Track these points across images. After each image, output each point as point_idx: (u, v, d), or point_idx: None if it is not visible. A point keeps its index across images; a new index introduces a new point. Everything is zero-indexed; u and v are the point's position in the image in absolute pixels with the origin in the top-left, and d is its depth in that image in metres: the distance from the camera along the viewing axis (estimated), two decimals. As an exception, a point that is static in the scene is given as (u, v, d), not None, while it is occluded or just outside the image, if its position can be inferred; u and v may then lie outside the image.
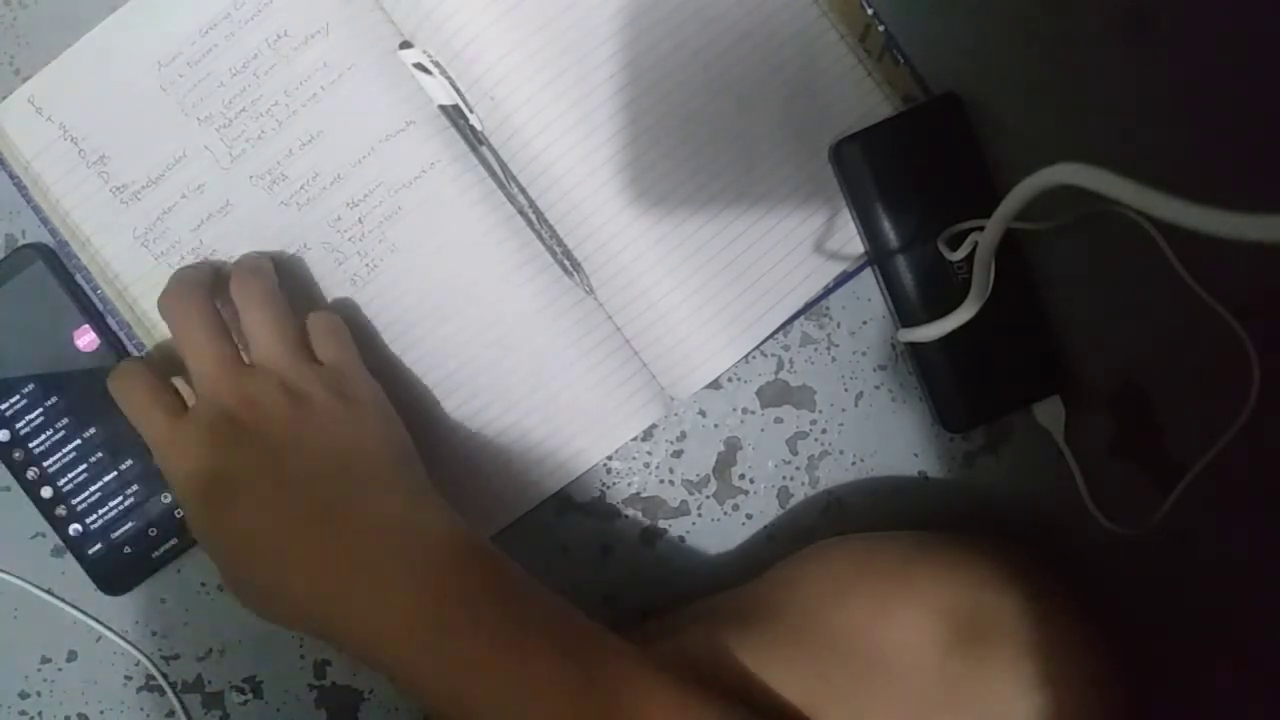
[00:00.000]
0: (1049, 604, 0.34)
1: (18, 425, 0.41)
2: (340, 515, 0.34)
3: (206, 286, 0.38)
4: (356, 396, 0.37)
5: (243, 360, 0.37)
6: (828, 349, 0.42)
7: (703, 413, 0.43)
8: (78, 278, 0.42)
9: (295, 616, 0.35)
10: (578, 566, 0.43)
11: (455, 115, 0.40)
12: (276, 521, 0.34)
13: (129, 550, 0.42)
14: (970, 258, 0.38)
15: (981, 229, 0.33)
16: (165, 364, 0.40)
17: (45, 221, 0.41)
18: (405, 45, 0.40)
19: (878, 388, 0.43)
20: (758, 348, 0.42)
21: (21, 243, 0.42)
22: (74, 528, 0.42)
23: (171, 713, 0.44)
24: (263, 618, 0.35)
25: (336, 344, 0.38)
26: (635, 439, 0.42)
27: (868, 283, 0.42)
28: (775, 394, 0.43)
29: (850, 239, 0.41)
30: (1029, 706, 0.32)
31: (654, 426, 0.43)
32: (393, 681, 0.34)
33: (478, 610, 0.33)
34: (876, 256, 0.40)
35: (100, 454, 0.41)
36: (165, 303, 0.38)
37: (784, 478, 0.43)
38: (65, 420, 0.41)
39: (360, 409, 0.36)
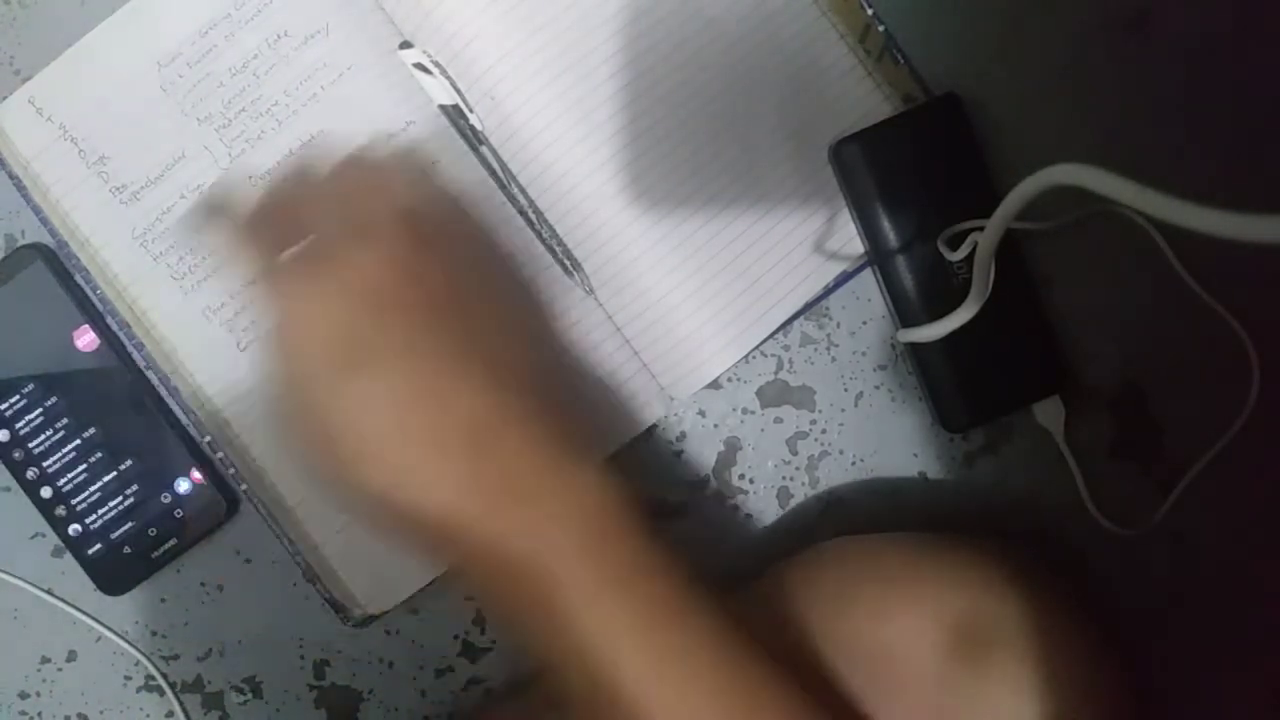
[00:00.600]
0: (1050, 609, 0.34)
1: (17, 425, 0.41)
2: (494, 445, 0.30)
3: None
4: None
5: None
6: (827, 349, 0.42)
7: (702, 413, 0.43)
8: (77, 278, 0.42)
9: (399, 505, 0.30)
10: (577, 567, 0.43)
11: (455, 115, 0.40)
12: (416, 404, 0.29)
13: (129, 550, 0.42)
14: (970, 258, 0.38)
15: (981, 229, 0.33)
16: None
17: (45, 222, 0.41)
18: (405, 45, 0.40)
19: (877, 388, 0.43)
20: (757, 348, 0.42)
21: (21, 243, 0.42)
22: (73, 528, 0.42)
23: (171, 713, 0.44)
24: (351, 503, 0.31)
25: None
26: (635, 439, 0.42)
27: (867, 283, 0.42)
28: (775, 394, 0.43)
29: (850, 239, 0.41)
30: (1029, 713, 0.32)
31: (654, 426, 0.43)
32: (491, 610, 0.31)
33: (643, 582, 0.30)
34: (876, 257, 0.40)
35: (100, 454, 0.41)
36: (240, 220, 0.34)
37: (784, 478, 0.43)
38: (65, 420, 0.41)
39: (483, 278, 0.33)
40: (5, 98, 0.41)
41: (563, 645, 0.29)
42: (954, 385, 0.40)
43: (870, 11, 0.40)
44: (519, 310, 0.34)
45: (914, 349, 0.41)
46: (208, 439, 0.42)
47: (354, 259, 0.31)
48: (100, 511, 0.42)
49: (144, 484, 0.42)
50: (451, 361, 0.30)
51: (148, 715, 0.45)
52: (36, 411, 0.41)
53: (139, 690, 0.44)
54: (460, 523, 0.29)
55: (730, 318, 0.41)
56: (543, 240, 0.41)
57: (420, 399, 0.30)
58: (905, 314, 0.40)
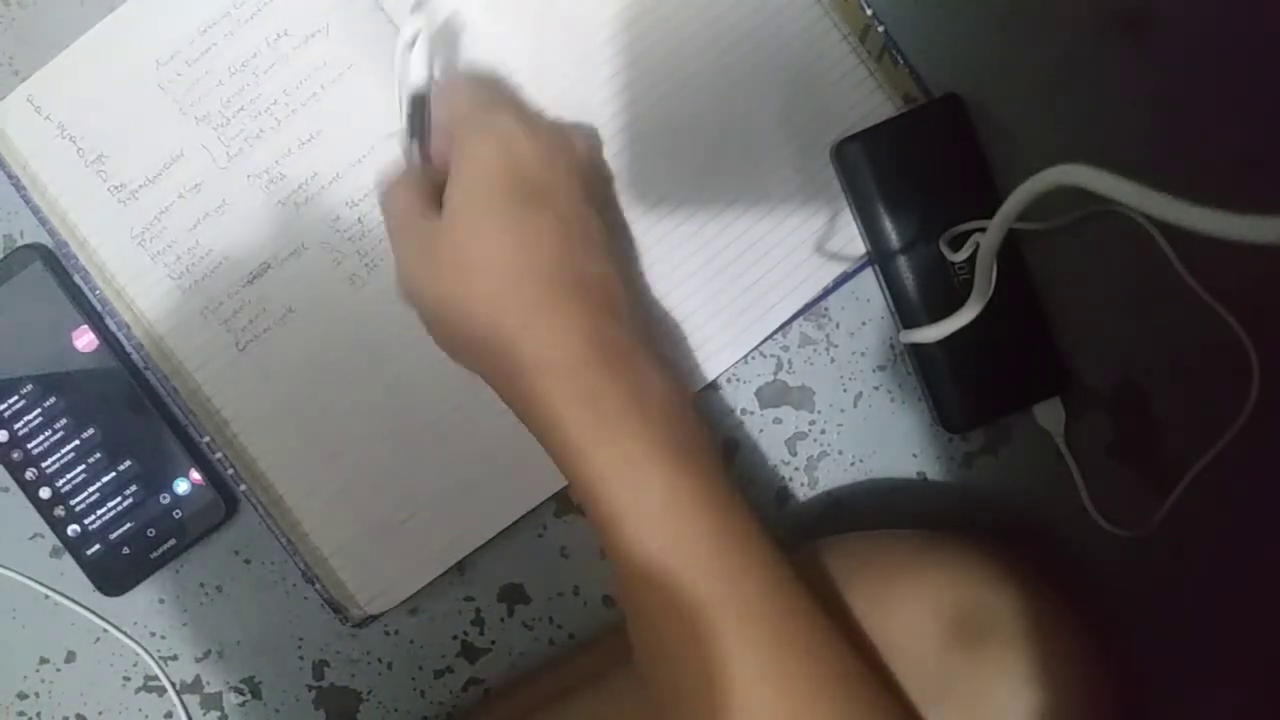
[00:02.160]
0: (1046, 604, 0.34)
1: (16, 426, 0.41)
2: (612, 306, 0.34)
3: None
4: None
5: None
6: (827, 349, 0.42)
7: (703, 413, 0.43)
8: (76, 278, 0.42)
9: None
10: (576, 567, 0.43)
11: (417, 105, 0.35)
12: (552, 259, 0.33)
13: (127, 551, 0.42)
14: (972, 258, 0.38)
15: (983, 230, 0.33)
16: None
17: (44, 222, 0.41)
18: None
19: (877, 388, 0.43)
20: (757, 348, 0.42)
21: (20, 243, 0.42)
22: (72, 528, 0.42)
23: (170, 713, 0.44)
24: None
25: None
26: (635, 439, 0.42)
27: (867, 283, 0.42)
28: (774, 394, 0.43)
29: (849, 240, 0.41)
30: (1025, 704, 0.32)
31: (653, 427, 0.43)
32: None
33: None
34: (877, 257, 0.40)
35: (99, 454, 0.41)
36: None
37: (783, 478, 0.43)
38: (64, 421, 0.41)
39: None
40: (3, 97, 0.40)
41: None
42: (954, 386, 0.40)
43: (869, 12, 0.40)
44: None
45: (914, 349, 0.41)
46: (206, 439, 0.42)
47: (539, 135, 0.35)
48: (99, 512, 0.42)
49: (143, 484, 0.42)
50: (600, 239, 0.35)
51: (146, 716, 0.44)
52: (35, 412, 0.41)
53: (138, 691, 0.44)
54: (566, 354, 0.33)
55: (729, 318, 0.41)
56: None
57: (573, 243, 0.34)
58: (906, 314, 0.40)
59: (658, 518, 0.31)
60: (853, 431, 0.43)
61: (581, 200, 0.35)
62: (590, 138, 0.39)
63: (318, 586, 0.41)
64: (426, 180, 0.35)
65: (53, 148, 0.41)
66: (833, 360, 0.42)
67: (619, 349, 0.33)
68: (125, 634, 0.44)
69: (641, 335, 0.34)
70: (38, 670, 0.44)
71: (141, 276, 0.41)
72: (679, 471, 0.32)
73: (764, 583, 0.32)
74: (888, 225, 0.40)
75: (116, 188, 0.41)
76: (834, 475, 0.43)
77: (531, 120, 0.36)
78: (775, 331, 0.41)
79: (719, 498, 0.32)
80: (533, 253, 0.33)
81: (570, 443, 0.32)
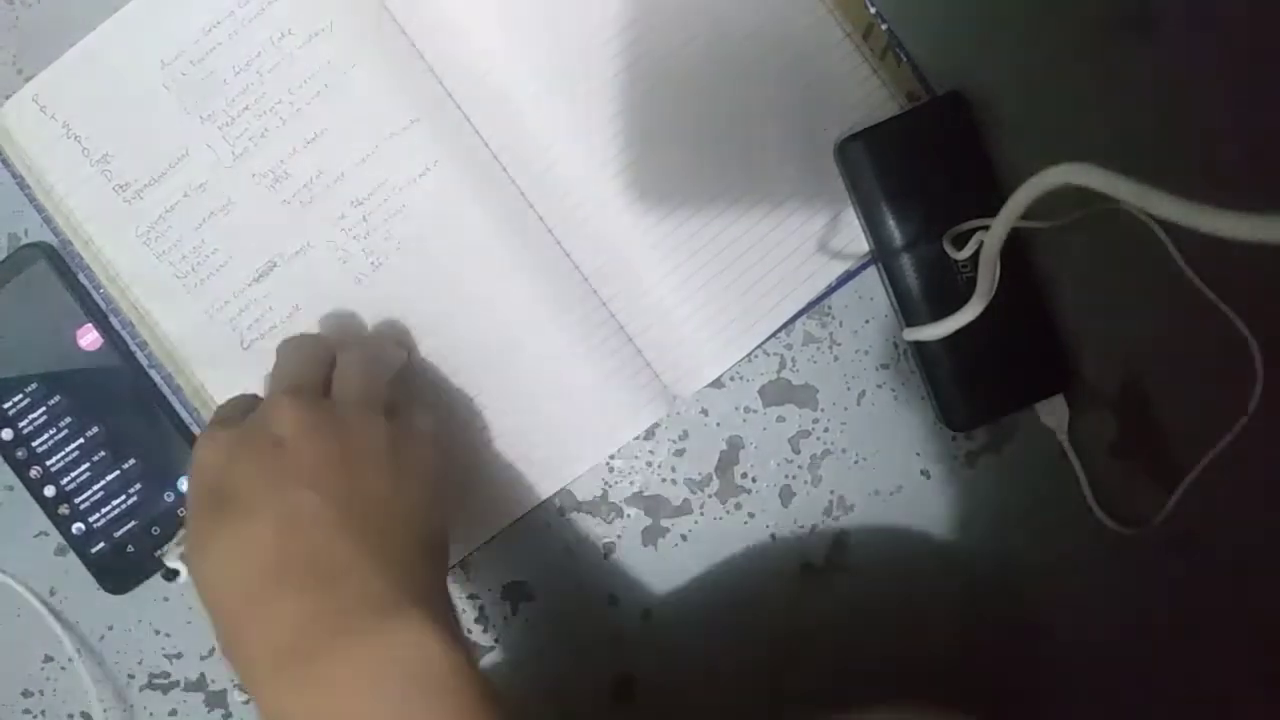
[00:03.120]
0: None
1: (21, 424, 0.41)
2: (340, 582, 0.31)
3: (329, 343, 0.39)
4: (409, 465, 0.34)
5: (319, 393, 0.35)
6: (830, 348, 0.42)
7: (705, 411, 0.43)
8: (80, 277, 0.42)
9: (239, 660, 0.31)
10: (580, 566, 0.44)
11: None
12: (264, 557, 0.31)
13: (132, 549, 0.42)
14: (975, 257, 0.38)
15: (986, 228, 0.33)
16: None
17: (48, 221, 0.41)
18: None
19: (880, 386, 0.43)
20: (760, 346, 0.42)
21: (24, 242, 0.42)
22: (77, 526, 0.42)
23: (174, 711, 0.44)
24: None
25: (418, 411, 0.37)
26: (637, 438, 0.42)
27: (870, 281, 0.42)
28: (777, 393, 0.43)
29: (852, 238, 0.41)
30: None
31: (656, 425, 0.43)
32: None
33: None
34: (881, 255, 0.40)
35: (103, 453, 0.41)
36: (284, 341, 0.38)
37: (786, 477, 0.43)
38: (68, 419, 0.41)
39: (410, 479, 0.34)
40: (9, 97, 0.41)
41: None
42: (958, 384, 0.40)
43: (873, 10, 0.40)
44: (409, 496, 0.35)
45: (918, 348, 0.41)
46: (211, 438, 0.42)
47: (269, 424, 0.33)
48: (103, 510, 0.42)
49: (147, 483, 0.42)
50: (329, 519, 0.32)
51: (151, 714, 0.45)
52: (40, 410, 0.41)
53: (142, 689, 0.44)
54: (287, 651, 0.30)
55: (733, 316, 0.41)
56: (552, 234, 0.41)
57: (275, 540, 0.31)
58: (909, 312, 0.40)
59: None
60: (856, 430, 0.43)
61: (294, 486, 0.32)
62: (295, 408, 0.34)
63: (322, 584, 0.41)
64: None
65: (58, 147, 0.41)
66: (836, 358, 0.42)
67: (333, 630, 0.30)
68: (129, 632, 0.44)
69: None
70: (42, 668, 0.44)
71: (146, 275, 0.41)
72: None
73: None
74: (891, 223, 0.40)
75: (121, 187, 0.41)
76: (837, 473, 0.43)
77: (237, 420, 0.34)
78: (778, 330, 0.41)
79: None
80: (235, 563, 0.31)
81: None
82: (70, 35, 0.40)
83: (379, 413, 0.35)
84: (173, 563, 0.33)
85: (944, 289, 0.40)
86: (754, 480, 0.43)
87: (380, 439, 0.34)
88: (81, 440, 0.41)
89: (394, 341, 0.41)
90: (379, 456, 0.34)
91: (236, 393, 0.41)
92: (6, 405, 0.41)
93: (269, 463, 0.32)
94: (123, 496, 0.42)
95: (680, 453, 0.43)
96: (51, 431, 0.41)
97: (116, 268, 0.41)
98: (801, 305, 0.41)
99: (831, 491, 0.43)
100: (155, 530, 0.42)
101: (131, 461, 0.42)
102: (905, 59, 0.41)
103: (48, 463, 0.41)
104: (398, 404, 0.37)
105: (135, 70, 0.40)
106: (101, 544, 0.42)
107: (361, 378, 0.36)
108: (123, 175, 0.41)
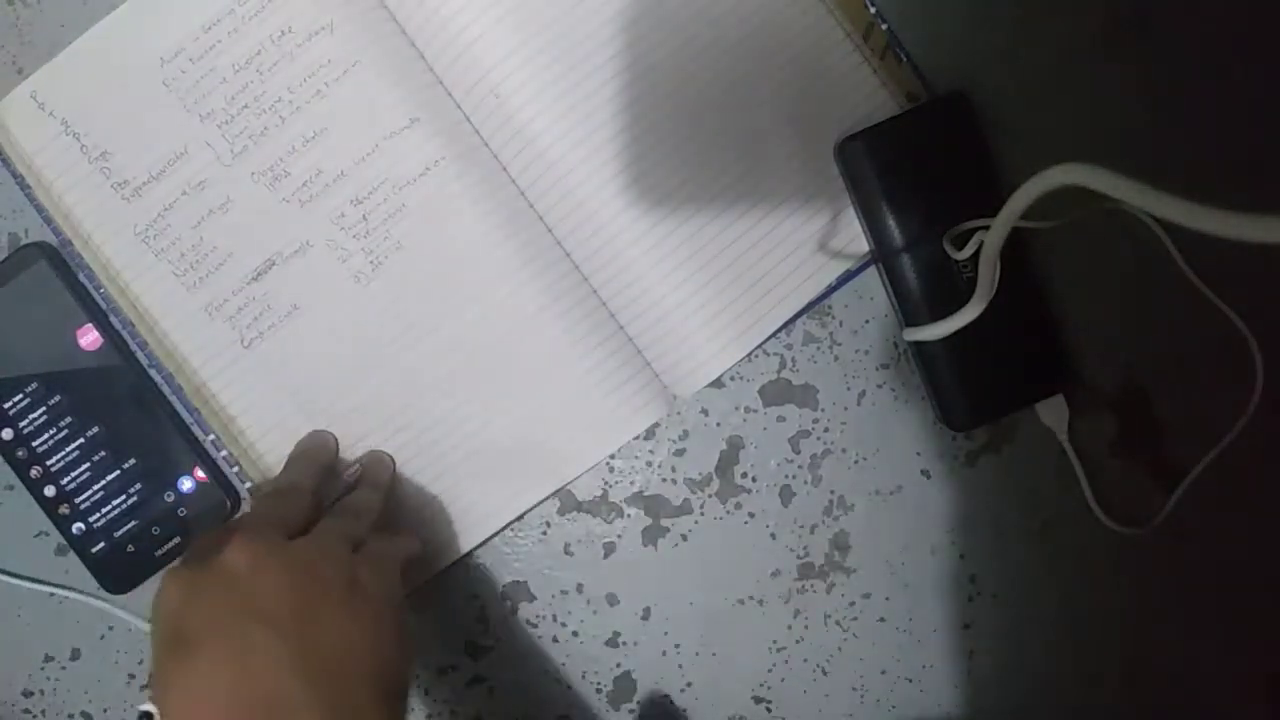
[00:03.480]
0: None
1: (21, 424, 0.41)
2: None
3: (332, 455, 0.40)
4: (369, 605, 0.34)
5: (292, 531, 0.35)
6: (830, 348, 0.42)
7: (705, 411, 0.43)
8: (80, 277, 0.42)
9: None
10: (580, 565, 0.44)
11: None
12: (220, 699, 0.30)
13: (132, 549, 0.42)
14: (975, 257, 0.38)
15: (987, 228, 0.33)
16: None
17: (48, 220, 0.41)
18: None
19: (880, 386, 0.43)
20: (760, 346, 0.42)
21: (24, 242, 0.42)
22: (77, 526, 0.42)
23: (174, 710, 0.44)
24: None
25: (391, 538, 0.38)
26: (638, 437, 0.42)
27: (870, 281, 0.42)
28: (778, 393, 0.43)
29: (853, 238, 0.41)
30: None
31: (656, 425, 0.43)
32: None
33: None
34: (881, 255, 0.40)
35: (103, 452, 0.41)
36: (297, 451, 0.40)
37: (786, 476, 0.43)
38: (68, 419, 0.41)
39: (367, 619, 0.34)
40: (7, 94, 0.40)
41: None
42: (958, 384, 0.40)
43: (873, 10, 0.40)
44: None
45: (918, 347, 0.41)
46: (211, 437, 0.42)
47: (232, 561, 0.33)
48: (103, 510, 0.42)
49: (147, 482, 0.42)
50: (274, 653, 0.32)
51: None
52: (40, 410, 0.41)
53: (142, 689, 0.44)
54: None
55: (733, 316, 0.41)
56: (552, 234, 0.41)
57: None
58: (910, 312, 0.40)
59: None
60: (856, 429, 0.43)
61: (248, 622, 0.32)
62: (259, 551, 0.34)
63: (322, 584, 0.41)
64: None
65: (57, 144, 0.41)
66: (836, 358, 0.42)
67: None
68: (130, 632, 0.44)
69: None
70: (43, 668, 0.44)
71: (145, 273, 0.41)
72: None
73: None
74: (891, 223, 0.40)
75: (120, 184, 0.41)
76: (837, 473, 0.43)
77: (201, 558, 0.33)
78: (779, 330, 0.41)
79: None
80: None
81: None
82: (69, 32, 0.40)
83: (345, 547, 0.35)
84: (144, 706, 0.32)
85: (944, 289, 0.40)
86: (754, 480, 0.43)
87: (341, 573, 0.34)
88: (81, 440, 0.41)
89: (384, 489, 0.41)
90: (337, 592, 0.33)
91: (236, 392, 0.42)
92: (6, 405, 0.41)
93: (223, 599, 0.32)
94: (123, 496, 0.42)
95: (680, 453, 0.43)
96: (51, 431, 0.41)
97: (116, 266, 0.41)
98: (801, 305, 0.41)
99: (831, 491, 0.43)
100: (155, 530, 0.42)
101: (131, 461, 0.42)
102: (905, 59, 0.41)
103: (48, 463, 0.41)
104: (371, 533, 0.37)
105: (134, 67, 0.40)
106: (102, 543, 0.42)
107: (340, 528, 0.36)
108: (121, 173, 0.41)
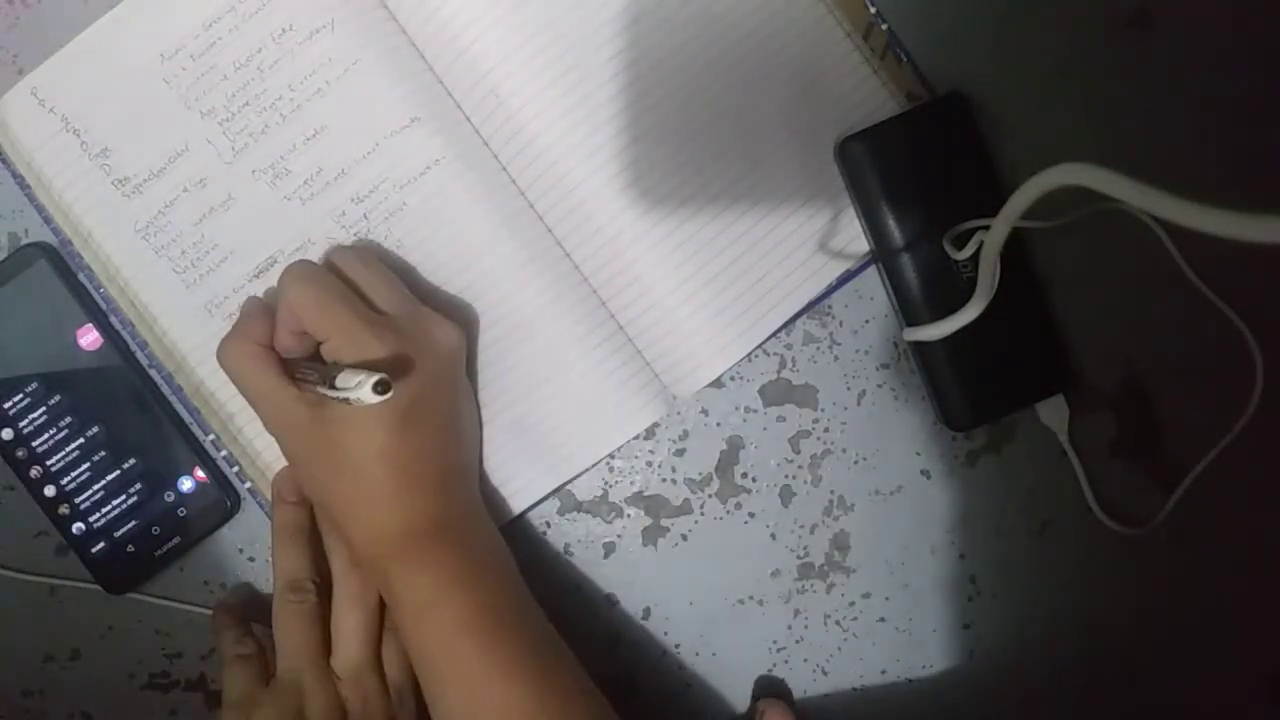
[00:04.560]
0: None
1: (21, 424, 0.41)
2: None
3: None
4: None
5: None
6: (830, 348, 0.42)
7: (705, 411, 0.43)
8: (80, 276, 0.42)
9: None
10: (580, 565, 0.44)
11: None
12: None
13: (132, 549, 0.42)
14: (975, 257, 0.38)
15: (987, 228, 0.33)
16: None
17: (48, 220, 0.41)
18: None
19: (880, 386, 0.43)
20: (760, 346, 0.42)
21: (25, 241, 0.42)
22: (77, 526, 0.42)
23: (174, 711, 0.44)
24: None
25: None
26: (638, 437, 0.42)
27: (870, 281, 0.42)
28: (778, 393, 0.43)
29: (853, 238, 0.41)
30: None
31: (656, 425, 0.43)
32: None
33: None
34: (881, 255, 0.40)
35: (103, 452, 0.41)
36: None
37: (786, 476, 0.43)
38: (68, 419, 0.41)
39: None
40: (7, 91, 0.40)
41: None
42: (958, 384, 0.40)
43: (873, 9, 0.40)
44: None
45: (918, 347, 0.41)
46: (211, 437, 0.42)
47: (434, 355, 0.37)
48: (103, 510, 0.42)
49: (147, 482, 0.42)
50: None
51: (151, 713, 0.45)
52: (40, 410, 0.41)
53: (142, 688, 0.44)
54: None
55: (733, 316, 0.41)
56: (552, 234, 0.41)
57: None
58: (910, 312, 0.40)
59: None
60: (856, 430, 0.43)
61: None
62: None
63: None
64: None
65: (57, 141, 0.41)
66: (836, 358, 0.42)
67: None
68: (129, 632, 0.44)
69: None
70: (43, 668, 0.44)
71: (145, 271, 0.41)
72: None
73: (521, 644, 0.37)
74: (891, 223, 0.40)
75: (120, 181, 0.41)
76: (837, 473, 0.43)
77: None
78: (779, 330, 0.41)
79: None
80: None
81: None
82: (69, 30, 0.40)
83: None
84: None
85: (944, 289, 0.40)
86: (754, 480, 0.43)
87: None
88: (81, 440, 0.41)
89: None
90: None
91: (236, 391, 0.41)
92: (6, 405, 0.41)
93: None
94: (123, 496, 0.42)
95: (680, 453, 0.43)
96: (51, 431, 0.41)
97: (115, 264, 0.41)
98: (801, 305, 0.41)
99: (831, 491, 0.43)
100: (155, 530, 0.42)
101: (131, 461, 0.42)
102: (905, 59, 0.41)
103: (48, 463, 0.41)
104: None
105: (135, 64, 0.40)
106: (101, 543, 0.42)
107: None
108: (122, 170, 0.41)
